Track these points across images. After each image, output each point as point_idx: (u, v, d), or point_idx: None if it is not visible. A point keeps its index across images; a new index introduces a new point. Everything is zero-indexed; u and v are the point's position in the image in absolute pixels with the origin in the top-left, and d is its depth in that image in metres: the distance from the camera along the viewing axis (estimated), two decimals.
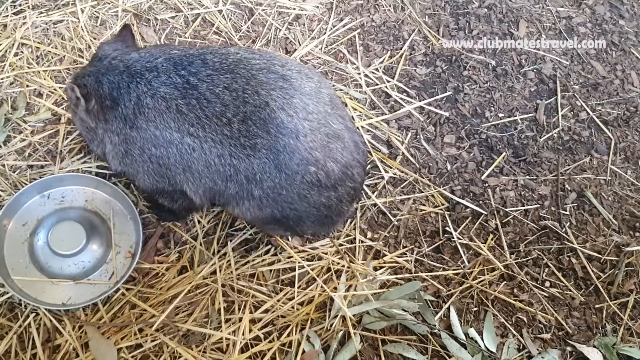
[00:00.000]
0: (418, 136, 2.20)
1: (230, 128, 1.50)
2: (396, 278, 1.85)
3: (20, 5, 2.25)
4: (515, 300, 1.87)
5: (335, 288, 1.77)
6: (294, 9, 2.44)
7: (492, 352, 1.74)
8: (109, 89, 1.55)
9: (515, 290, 1.90)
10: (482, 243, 1.97)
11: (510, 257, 1.96)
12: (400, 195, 2.05)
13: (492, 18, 2.58)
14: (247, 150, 1.51)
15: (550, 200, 2.13)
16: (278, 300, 1.76)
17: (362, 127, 2.14)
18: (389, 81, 2.30)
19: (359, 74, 2.29)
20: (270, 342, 1.68)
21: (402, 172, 2.09)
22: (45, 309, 1.67)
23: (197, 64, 1.55)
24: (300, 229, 1.75)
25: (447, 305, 1.82)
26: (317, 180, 1.57)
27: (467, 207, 2.06)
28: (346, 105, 2.18)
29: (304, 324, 1.72)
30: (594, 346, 1.81)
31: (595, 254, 2.00)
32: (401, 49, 2.41)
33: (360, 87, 2.26)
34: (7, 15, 2.21)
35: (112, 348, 1.60)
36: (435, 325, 1.75)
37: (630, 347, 1.81)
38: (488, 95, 2.35)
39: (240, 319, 1.70)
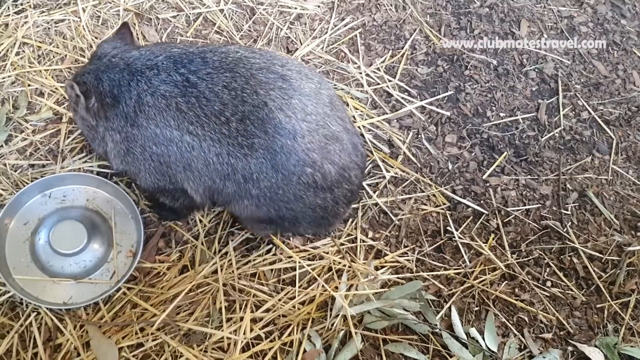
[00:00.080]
0: (419, 136, 2.20)
1: (228, 127, 1.50)
2: (397, 277, 1.85)
3: (21, 4, 2.25)
4: (516, 300, 1.87)
5: (336, 287, 1.77)
6: (296, 8, 2.44)
7: (493, 351, 1.74)
8: (110, 87, 1.55)
9: (516, 290, 1.90)
10: (484, 243, 1.97)
11: (512, 257, 1.96)
12: (402, 195, 2.05)
13: (494, 17, 2.58)
14: (244, 150, 1.51)
15: (551, 200, 2.12)
16: (279, 300, 1.76)
17: (364, 126, 2.14)
18: (390, 80, 2.30)
19: (360, 73, 2.29)
20: (271, 341, 1.68)
21: (404, 171, 2.09)
22: (47, 308, 1.67)
23: (197, 62, 1.54)
24: (297, 229, 1.76)
25: (448, 305, 1.82)
26: (313, 182, 1.57)
27: (468, 206, 2.06)
28: (347, 104, 2.17)
29: (305, 324, 1.72)
30: (596, 346, 1.80)
31: (597, 254, 2.00)
32: (402, 48, 2.41)
33: (362, 87, 2.26)
34: (9, 15, 2.21)
35: (113, 347, 1.60)
36: (436, 325, 1.75)
37: (632, 347, 1.80)
38: (489, 95, 2.35)
39: (242, 319, 1.70)
